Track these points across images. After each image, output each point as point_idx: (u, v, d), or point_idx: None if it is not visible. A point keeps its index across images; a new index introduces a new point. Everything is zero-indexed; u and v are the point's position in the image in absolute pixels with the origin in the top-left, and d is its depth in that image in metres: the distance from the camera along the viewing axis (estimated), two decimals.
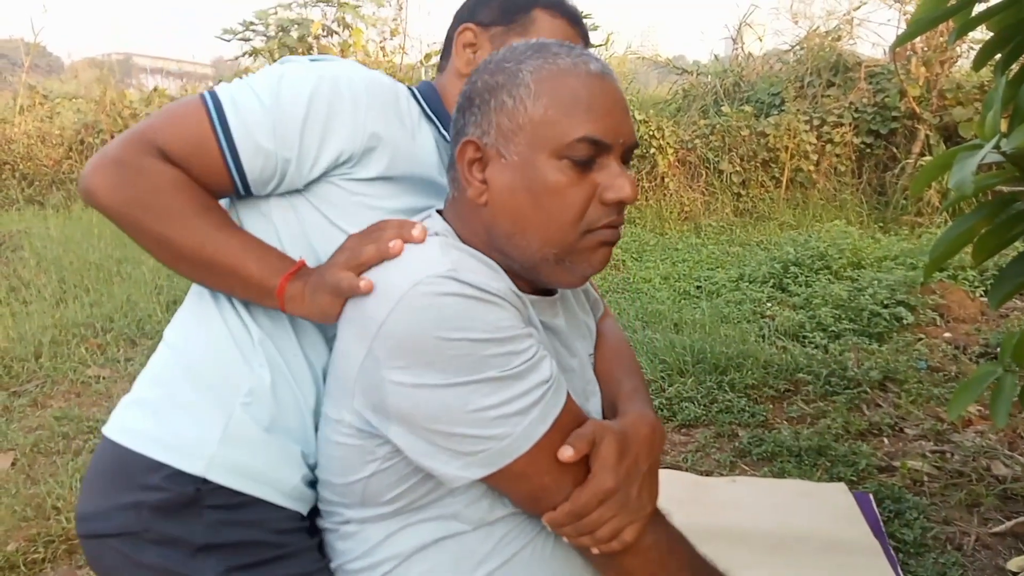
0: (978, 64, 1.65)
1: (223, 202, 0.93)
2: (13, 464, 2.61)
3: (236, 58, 8.85)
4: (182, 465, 0.84)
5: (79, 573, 2.03)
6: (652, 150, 6.59)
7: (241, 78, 0.89)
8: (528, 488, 0.74)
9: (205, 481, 0.84)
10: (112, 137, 7.78)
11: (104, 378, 3.33)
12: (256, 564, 0.85)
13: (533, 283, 0.83)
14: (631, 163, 0.79)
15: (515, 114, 0.76)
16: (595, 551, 0.75)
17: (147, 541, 0.83)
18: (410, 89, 1.01)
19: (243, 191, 0.88)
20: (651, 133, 6.64)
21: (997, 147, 1.55)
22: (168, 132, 0.83)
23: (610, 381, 0.93)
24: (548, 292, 0.88)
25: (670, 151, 6.65)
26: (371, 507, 0.80)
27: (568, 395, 0.76)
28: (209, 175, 0.85)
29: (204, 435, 0.85)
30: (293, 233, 0.90)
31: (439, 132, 1.00)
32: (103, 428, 0.91)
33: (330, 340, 0.92)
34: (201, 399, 0.87)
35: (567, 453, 0.72)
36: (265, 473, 0.86)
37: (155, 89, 9.01)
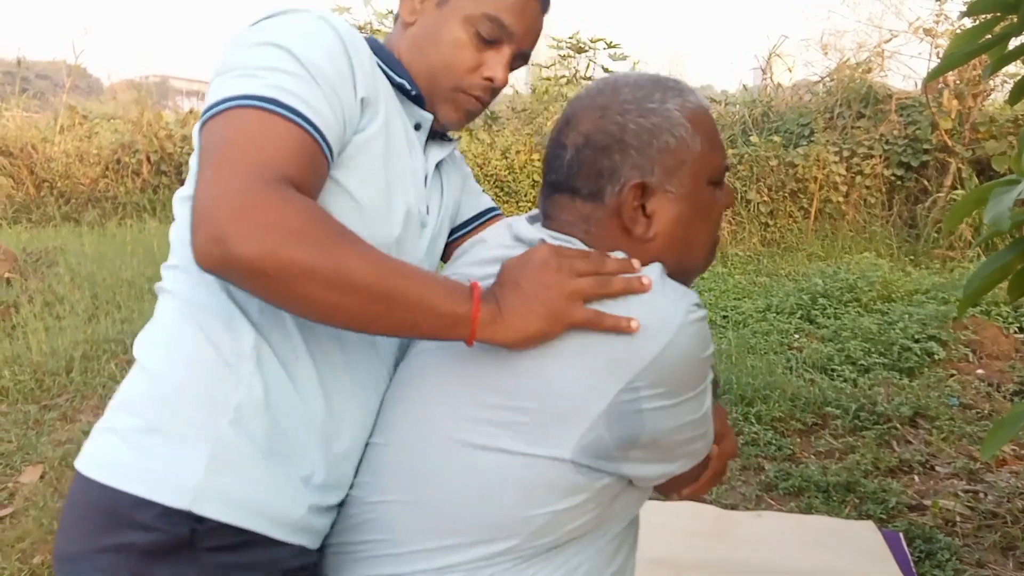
0: (1014, 98, 1.63)
1: None
2: (42, 477, 2.64)
3: None
4: (165, 499, 0.73)
5: None
6: None
7: (232, 71, 0.76)
8: (697, 470, 0.89)
9: (200, 519, 0.73)
10: (148, 159, 7.93)
11: None
12: None
13: None
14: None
15: (679, 152, 0.85)
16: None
17: None
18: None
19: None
20: None
21: None
22: (277, 157, 0.71)
23: None
24: None
25: None
26: (536, 539, 0.78)
27: None
28: (319, 177, 0.76)
29: (188, 463, 0.74)
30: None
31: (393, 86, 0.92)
32: (75, 461, 0.80)
33: (346, 343, 0.83)
34: (182, 422, 0.76)
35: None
36: (263, 502, 0.77)
37: (191, 111, 9.22)
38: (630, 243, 0.85)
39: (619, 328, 0.75)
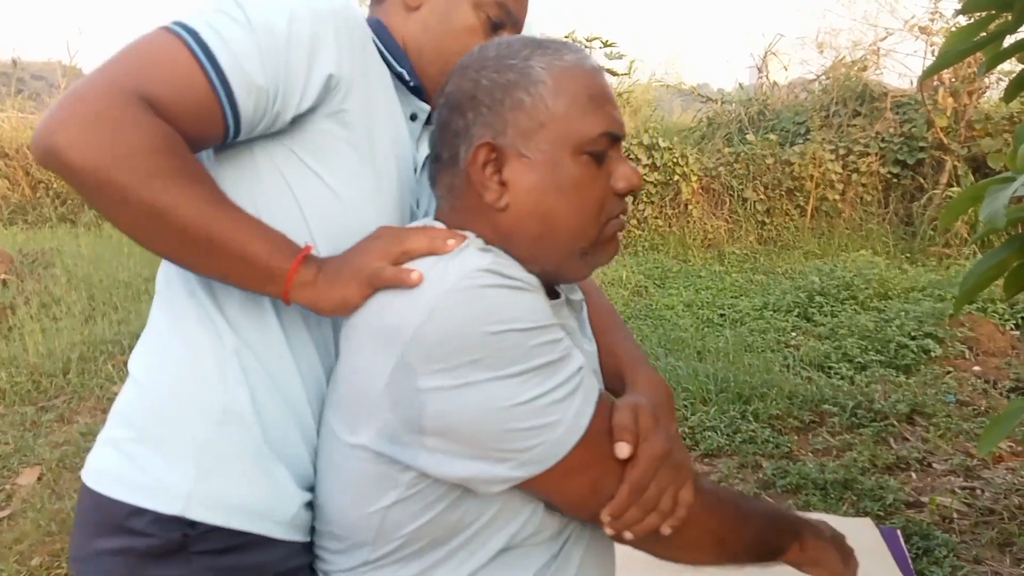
0: (1009, 96, 1.64)
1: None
2: (39, 479, 2.64)
3: None
4: (159, 507, 0.74)
5: None
6: (676, 177, 6.59)
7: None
8: (585, 481, 0.71)
9: (192, 524, 0.74)
10: None
11: None
12: None
13: (545, 285, 0.81)
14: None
15: (535, 112, 0.74)
16: (666, 530, 0.73)
17: None
18: None
19: (232, 135, 0.75)
20: (675, 160, 6.65)
21: None
22: (151, 77, 0.68)
23: (605, 343, 0.92)
24: (554, 295, 0.84)
25: (694, 179, 6.65)
26: (387, 543, 0.74)
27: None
28: (199, 122, 0.71)
29: (179, 470, 0.75)
30: (278, 188, 0.79)
31: (392, 74, 0.91)
32: (81, 471, 0.82)
33: (320, 343, 0.83)
34: (171, 430, 0.77)
35: (624, 451, 0.71)
36: (255, 504, 0.77)
37: None
38: (485, 215, 0.76)
39: (401, 282, 0.70)
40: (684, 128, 8.58)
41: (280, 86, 0.74)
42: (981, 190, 1.70)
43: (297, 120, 0.78)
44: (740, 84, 8.63)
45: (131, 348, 3.92)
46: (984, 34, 1.44)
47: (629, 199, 0.82)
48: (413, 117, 0.94)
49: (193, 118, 0.71)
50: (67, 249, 5.89)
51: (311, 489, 0.82)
